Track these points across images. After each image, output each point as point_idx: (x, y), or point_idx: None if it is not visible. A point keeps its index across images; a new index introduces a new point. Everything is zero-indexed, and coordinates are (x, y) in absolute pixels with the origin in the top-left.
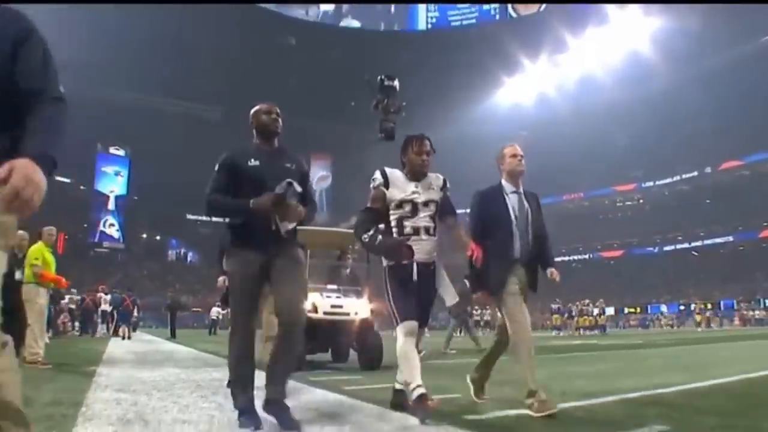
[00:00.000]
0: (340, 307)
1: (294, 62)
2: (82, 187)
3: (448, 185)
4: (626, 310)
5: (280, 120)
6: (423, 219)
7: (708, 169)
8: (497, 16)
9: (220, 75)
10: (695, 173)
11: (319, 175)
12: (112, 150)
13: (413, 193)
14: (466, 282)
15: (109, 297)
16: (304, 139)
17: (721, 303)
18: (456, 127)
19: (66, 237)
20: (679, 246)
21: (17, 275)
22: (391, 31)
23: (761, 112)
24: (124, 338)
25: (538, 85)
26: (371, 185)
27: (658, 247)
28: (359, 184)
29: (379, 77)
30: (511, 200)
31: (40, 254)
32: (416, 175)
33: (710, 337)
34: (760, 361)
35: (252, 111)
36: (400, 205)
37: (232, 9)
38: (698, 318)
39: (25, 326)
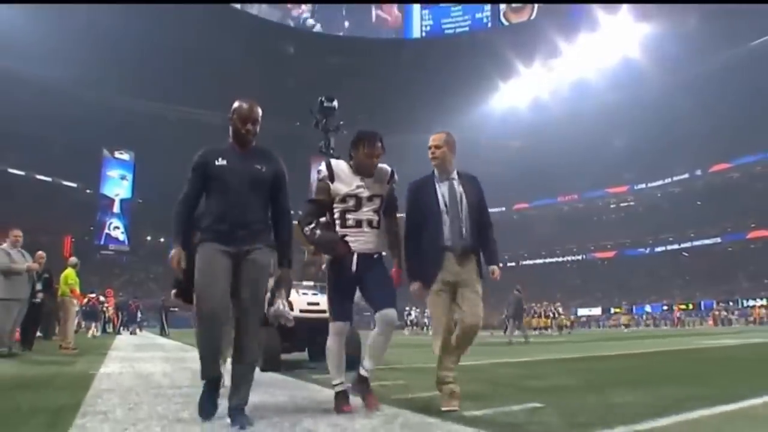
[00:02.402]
0: (317, 304)
1: (293, 69)
2: (88, 191)
3: (395, 177)
4: (613, 310)
5: (255, 128)
6: (366, 213)
7: (698, 172)
8: (489, 24)
9: (221, 81)
10: (686, 175)
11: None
12: (117, 154)
13: (358, 187)
14: (517, 289)
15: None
16: (305, 143)
17: (702, 303)
18: (453, 131)
19: (73, 240)
20: (669, 247)
21: (38, 286)
22: (389, 38)
23: (750, 115)
24: (132, 333)
25: (533, 90)
26: (317, 176)
27: (650, 248)
28: None
29: (319, 98)
30: (441, 188)
31: (73, 278)
32: (363, 173)
33: (622, 335)
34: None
35: (232, 108)
36: (344, 199)
37: (233, 18)
38: (624, 319)
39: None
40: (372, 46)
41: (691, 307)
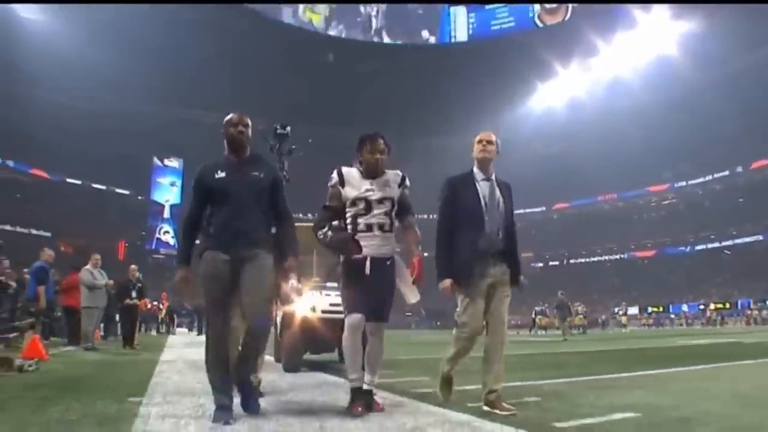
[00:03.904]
0: (339, 305)
1: (332, 76)
2: (139, 198)
3: (407, 182)
4: (650, 309)
5: (248, 131)
6: (377, 216)
7: (739, 168)
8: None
9: (263, 89)
10: (727, 172)
11: None
12: (166, 162)
13: (367, 191)
14: (561, 293)
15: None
16: (348, 149)
17: (739, 302)
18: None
19: (126, 245)
20: (711, 245)
21: (133, 294)
22: (428, 44)
23: None
24: (173, 333)
25: (571, 90)
26: (329, 184)
27: (690, 247)
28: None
29: (274, 126)
30: (482, 188)
31: None
32: (371, 173)
33: (615, 335)
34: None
35: (224, 121)
36: (354, 202)
37: (275, 29)
38: (623, 320)
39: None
40: (412, 52)
41: (728, 306)
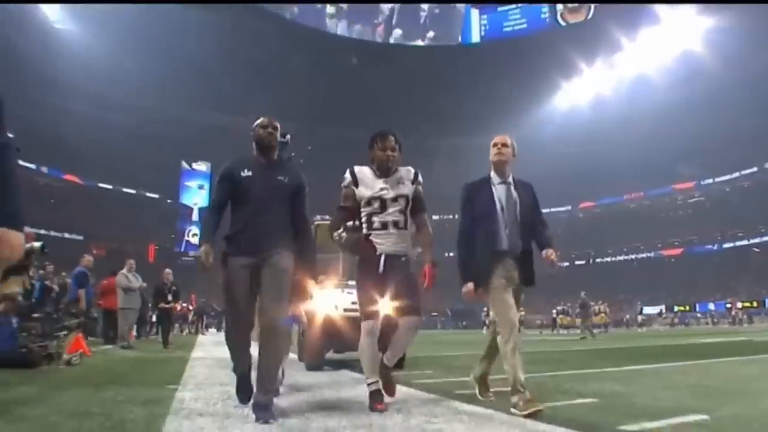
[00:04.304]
0: None
1: (356, 79)
2: (168, 201)
3: (420, 178)
4: (676, 308)
5: (276, 134)
6: (392, 214)
7: None
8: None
9: (288, 93)
10: (755, 169)
11: None
12: (194, 166)
13: (381, 189)
14: (583, 293)
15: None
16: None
17: (766, 301)
18: (516, 132)
19: (156, 247)
20: (738, 243)
21: (169, 297)
22: (452, 45)
23: None
24: (203, 333)
25: (596, 87)
26: (342, 184)
27: (718, 245)
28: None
29: None
30: (498, 191)
31: None
32: (384, 171)
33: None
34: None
35: (254, 124)
36: (369, 202)
37: (299, 33)
38: (639, 319)
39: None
40: (433, 52)
41: (755, 305)
